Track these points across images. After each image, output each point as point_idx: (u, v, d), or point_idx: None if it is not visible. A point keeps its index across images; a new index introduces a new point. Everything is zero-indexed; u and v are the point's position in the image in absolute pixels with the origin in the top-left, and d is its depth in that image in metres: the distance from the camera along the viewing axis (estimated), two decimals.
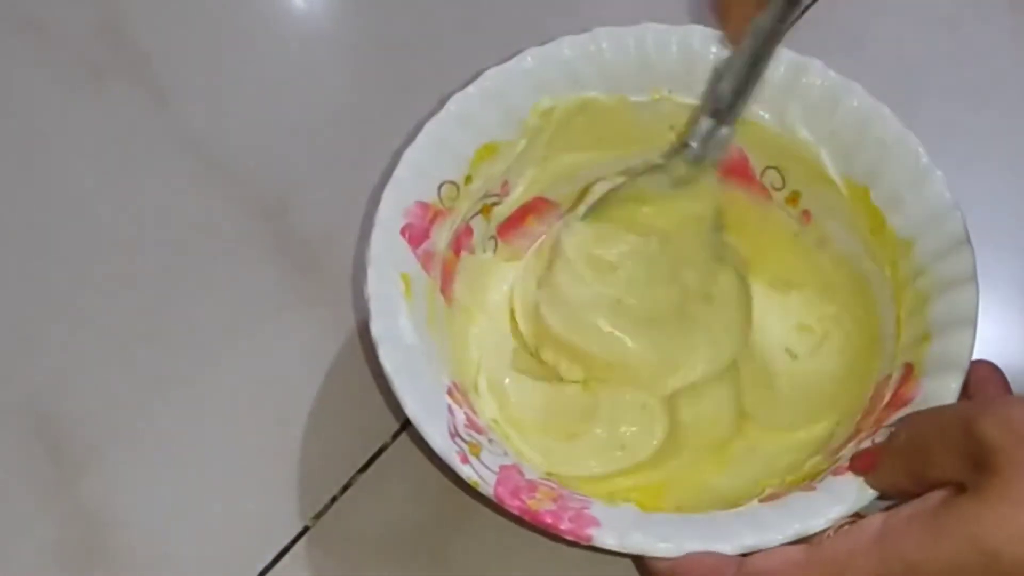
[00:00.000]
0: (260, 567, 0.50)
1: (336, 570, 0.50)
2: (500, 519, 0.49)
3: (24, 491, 0.52)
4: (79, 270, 0.56)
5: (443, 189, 0.49)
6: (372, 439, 0.53)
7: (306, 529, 0.51)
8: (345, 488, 0.52)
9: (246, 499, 0.52)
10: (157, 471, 0.52)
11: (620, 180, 0.50)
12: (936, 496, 0.38)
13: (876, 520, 0.40)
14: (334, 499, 0.52)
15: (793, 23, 0.46)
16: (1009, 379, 0.46)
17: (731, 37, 0.48)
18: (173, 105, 0.61)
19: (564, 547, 0.48)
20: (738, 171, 0.52)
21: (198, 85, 0.61)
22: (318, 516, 0.51)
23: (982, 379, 0.45)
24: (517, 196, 0.52)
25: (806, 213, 0.52)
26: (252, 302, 0.56)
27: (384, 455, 0.52)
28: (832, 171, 0.50)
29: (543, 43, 0.50)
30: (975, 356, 0.44)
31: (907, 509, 0.39)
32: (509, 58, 0.50)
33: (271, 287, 0.56)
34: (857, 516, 0.42)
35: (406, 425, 0.53)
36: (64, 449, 0.53)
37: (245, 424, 0.53)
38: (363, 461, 0.52)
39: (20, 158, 0.59)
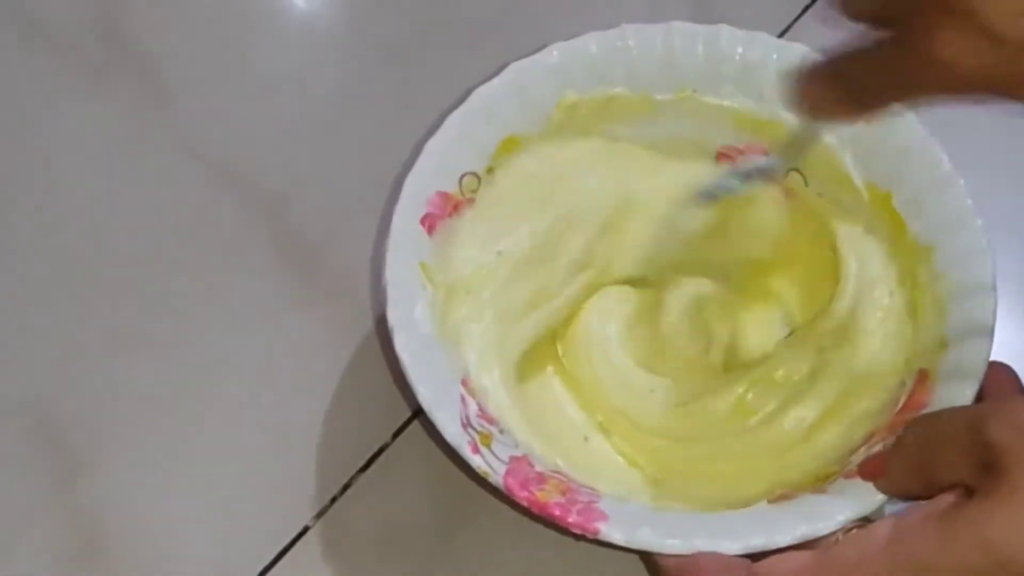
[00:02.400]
0: (260, 567, 0.50)
1: (336, 570, 0.50)
2: (501, 518, 0.49)
3: (24, 491, 0.52)
4: (80, 269, 0.56)
5: (464, 180, 0.49)
6: (372, 439, 0.53)
7: (306, 529, 0.51)
8: (345, 488, 0.52)
9: (246, 499, 0.52)
10: (157, 471, 0.52)
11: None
12: (945, 499, 0.38)
13: (886, 525, 0.39)
14: (334, 499, 0.52)
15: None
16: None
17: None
18: (174, 103, 0.61)
19: (567, 546, 0.48)
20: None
21: (199, 84, 0.61)
22: (318, 516, 0.51)
23: (998, 381, 0.45)
24: None
25: None
26: (253, 303, 0.56)
27: (384, 455, 0.52)
28: (855, 175, 0.49)
29: (569, 38, 0.50)
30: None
31: (917, 513, 0.38)
32: (535, 51, 0.50)
33: (272, 287, 0.56)
34: (866, 521, 0.42)
35: (407, 425, 0.53)
36: (64, 449, 0.52)
37: (245, 425, 0.53)
38: (363, 461, 0.52)
39: (20, 157, 0.59)
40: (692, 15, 0.50)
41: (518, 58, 0.50)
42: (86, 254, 0.57)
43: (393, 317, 0.45)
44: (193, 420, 0.53)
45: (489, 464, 0.43)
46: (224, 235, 0.57)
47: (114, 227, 0.57)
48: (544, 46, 0.50)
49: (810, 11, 0.62)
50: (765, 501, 0.44)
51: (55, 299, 0.56)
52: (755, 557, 0.42)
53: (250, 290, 0.56)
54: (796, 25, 0.62)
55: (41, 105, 0.61)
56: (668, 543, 0.42)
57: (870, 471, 0.42)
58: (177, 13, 0.63)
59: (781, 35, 0.61)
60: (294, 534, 0.51)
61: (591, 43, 0.50)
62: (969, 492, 0.37)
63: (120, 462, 0.52)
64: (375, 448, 0.52)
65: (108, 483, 0.52)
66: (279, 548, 0.51)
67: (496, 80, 0.49)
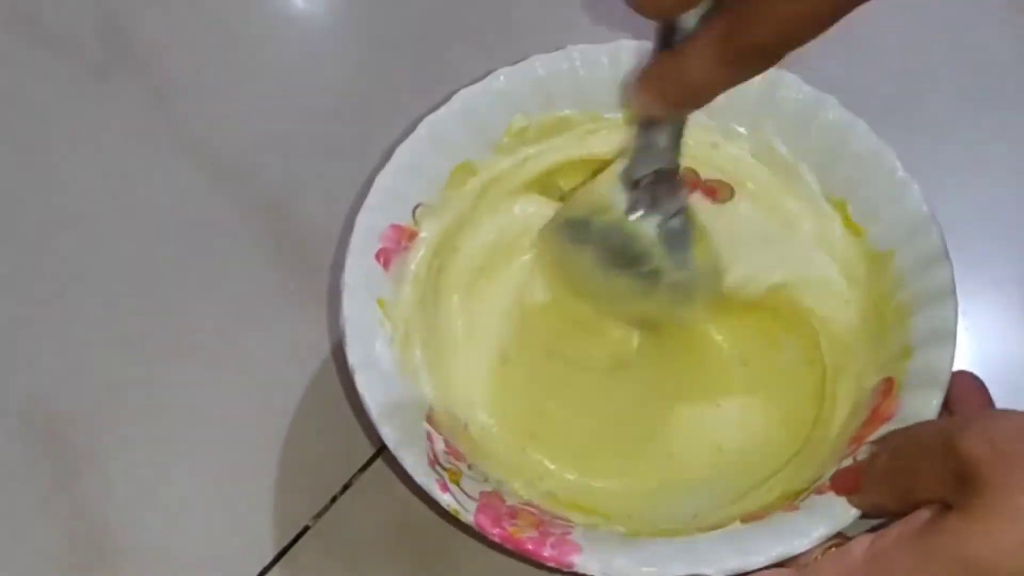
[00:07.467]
0: (260, 567, 0.50)
1: (336, 570, 0.50)
2: None
3: (24, 491, 0.52)
4: (78, 269, 0.56)
5: (418, 211, 0.49)
6: (373, 439, 0.53)
7: (306, 529, 0.51)
8: (345, 488, 0.52)
9: (246, 499, 0.52)
10: (157, 471, 0.52)
11: None
12: (923, 516, 0.38)
13: (863, 543, 0.39)
14: (334, 499, 0.52)
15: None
16: (1007, 380, 0.46)
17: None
18: (174, 103, 0.60)
19: None
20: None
21: (200, 83, 0.61)
22: (318, 516, 0.51)
23: (964, 391, 0.45)
24: None
25: None
26: (251, 301, 0.56)
27: (384, 455, 0.52)
28: (811, 184, 0.49)
29: (515, 62, 0.50)
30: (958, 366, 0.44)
31: (894, 530, 0.38)
32: (482, 78, 0.49)
33: (270, 286, 0.56)
34: (841, 536, 0.42)
35: None
36: (64, 449, 0.53)
37: (245, 423, 0.53)
38: (364, 461, 0.52)
39: (20, 156, 0.59)
40: None
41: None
42: (85, 253, 0.57)
43: (353, 358, 0.45)
44: (192, 418, 0.53)
45: (459, 502, 0.43)
46: (224, 235, 0.57)
47: (113, 226, 0.57)
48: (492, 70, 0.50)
49: None
50: (739, 521, 0.44)
51: (54, 298, 0.56)
52: None
53: (250, 289, 0.56)
54: None
55: (42, 104, 0.60)
56: (644, 571, 0.42)
57: (843, 486, 0.42)
58: (178, 13, 0.63)
59: None
60: (294, 534, 0.51)
61: (537, 66, 0.50)
62: (945, 508, 0.37)
63: (119, 462, 0.52)
64: (375, 448, 0.52)
65: (107, 483, 0.52)
66: (279, 548, 0.51)
67: (444, 109, 0.49)
